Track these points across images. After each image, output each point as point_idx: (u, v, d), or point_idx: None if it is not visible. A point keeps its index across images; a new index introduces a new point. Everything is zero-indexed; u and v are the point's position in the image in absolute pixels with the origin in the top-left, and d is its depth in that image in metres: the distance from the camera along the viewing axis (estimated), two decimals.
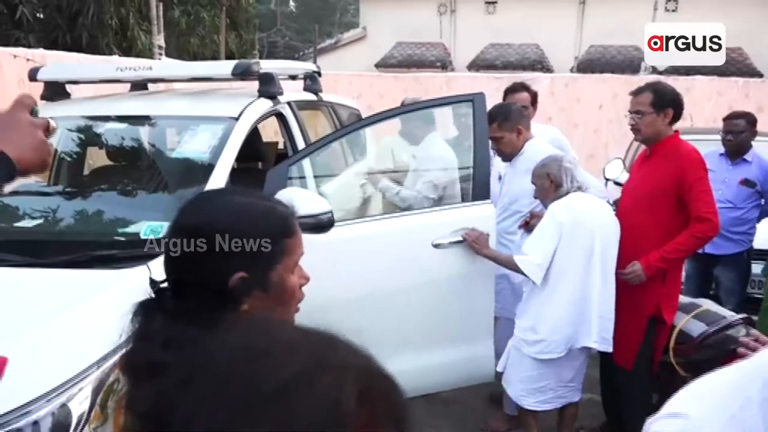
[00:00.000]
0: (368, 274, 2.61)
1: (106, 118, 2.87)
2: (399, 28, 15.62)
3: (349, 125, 3.41)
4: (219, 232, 0.96)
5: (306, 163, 3.09)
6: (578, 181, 2.69)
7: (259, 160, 3.61)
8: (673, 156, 2.68)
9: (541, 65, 14.47)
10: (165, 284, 1.01)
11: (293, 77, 4.12)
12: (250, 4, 11.67)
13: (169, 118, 2.89)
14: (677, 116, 2.75)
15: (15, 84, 4.77)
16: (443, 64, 15.07)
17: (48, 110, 3.11)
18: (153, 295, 1.01)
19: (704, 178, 2.65)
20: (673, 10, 14.76)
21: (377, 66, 14.95)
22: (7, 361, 0.94)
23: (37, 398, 1.50)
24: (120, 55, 7.84)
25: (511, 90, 3.92)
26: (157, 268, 1.97)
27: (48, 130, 0.94)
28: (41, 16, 7.45)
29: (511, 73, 10.93)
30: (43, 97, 3.24)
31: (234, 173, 3.46)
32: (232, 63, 3.04)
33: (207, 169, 2.46)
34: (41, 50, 5.29)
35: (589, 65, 14.01)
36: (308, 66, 4.13)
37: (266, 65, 3.20)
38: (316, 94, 4.03)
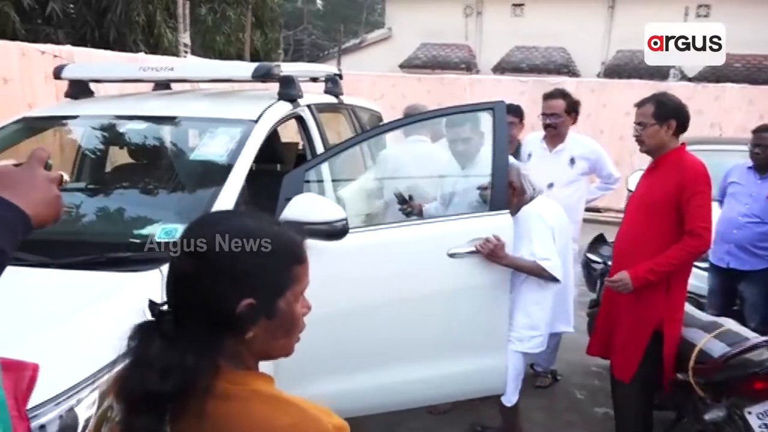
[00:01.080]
0: (382, 282, 2.58)
1: (126, 118, 2.89)
2: (424, 29, 15.57)
3: (369, 131, 3.39)
4: (228, 256, 0.92)
5: (324, 166, 3.08)
6: (534, 185, 2.96)
7: (278, 162, 3.61)
8: (676, 168, 2.67)
9: (567, 69, 14.31)
10: (165, 307, 0.97)
11: (314, 80, 4.12)
12: (275, 3, 11.71)
13: (188, 119, 2.89)
14: (682, 127, 2.73)
15: (42, 80, 4.85)
16: (468, 66, 14.99)
17: (71, 108, 3.15)
18: (151, 318, 0.97)
19: (705, 192, 2.62)
20: (704, 16, 14.49)
21: (401, 67, 14.92)
22: (38, 367, 0.94)
23: (45, 402, 1.50)
24: (147, 53, 7.93)
25: (548, 96, 3.92)
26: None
27: (61, 184, 0.95)
28: (71, 12, 7.56)
29: (537, 76, 10.82)
30: (68, 95, 3.28)
31: (252, 175, 3.48)
32: (253, 65, 3.04)
33: (224, 171, 2.45)
34: (68, 47, 5.36)
35: (616, 70, 13.81)
36: (329, 69, 4.12)
37: (287, 68, 3.20)
38: (336, 96, 4.02)
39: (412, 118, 2.99)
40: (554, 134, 3.89)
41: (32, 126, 3.04)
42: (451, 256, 2.62)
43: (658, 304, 2.71)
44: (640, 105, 2.80)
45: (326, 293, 2.55)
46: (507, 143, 2.83)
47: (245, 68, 3.05)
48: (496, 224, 2.68)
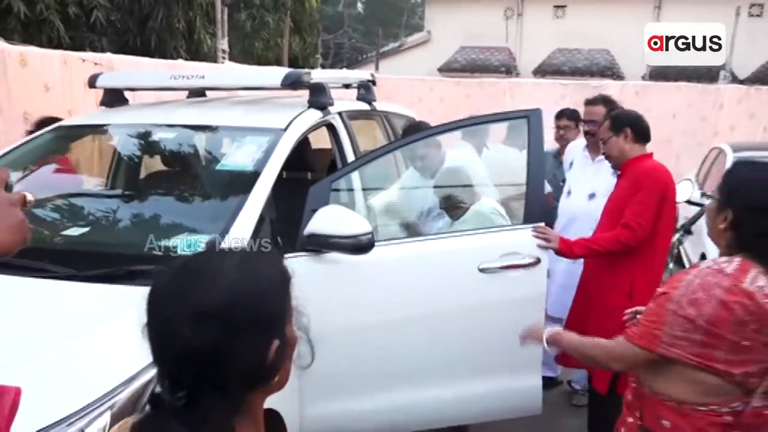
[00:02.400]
0: (410, 297, 2.50)
1: (155, 126, 2.88)
2: (464, 32, 15.41)
3: (398, 141, 3.31)
4: (244, 309, 0.83)
5: (355, 176, 3.02)
6: None
7: (309, 170, 3.56)
8: (635, 173, 2.75)
9: (611, 72, 13.95)
10: (175, 393, 0.83)
11: (347, 86, 4.07)
12: (314, 8, 11.77)
13: (216, 128, 2.88)
14: (642, 135, 2.84)
15: (82, 87, 4.93)
16: (508, 69, 14.76)
17: (104, 117, 3.17)
18: (155, 409, 0.85)
19: (651, 191, 2.67)
20: (757, 15, 13.91)
21: (440, 70, 14.81)
22: (21, 391, 0.88)
23: (55, 423, 1.48)
24: (187, 59, 8.05)
25: (589, 102, 3.76)
26: None
27: (25, 204, 0.88)
28: (114, 19, 7.73)
29: (579, 79, 10.56)
30: (102, 103, 3.31)
31: (283, 183, 3.44)
32: (283, 73, 3.01)
33: (249, 181, 2.41)
34: (108, 55, 5.45)
35: (662, 73, 13.37)
36: (362, 75, 4.06)
37: (317, 75, 3.15)
38: (369, 103, 3.96)
39: (444, 126, 2.89)
40: (594, 142, 3.73)
41: (67, 134, 3.08)
42: (482, 271, 2.51)
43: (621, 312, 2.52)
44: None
45: (354, 308, 2.52)
46: (543, 152, 2.71)
47: (275, 76, 3.02)
48: (530, 238, 2.57)
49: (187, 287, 0.83)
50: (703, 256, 4.50)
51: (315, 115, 3.00)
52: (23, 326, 1.78)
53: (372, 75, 4.14)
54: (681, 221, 4.31)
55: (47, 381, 1.56)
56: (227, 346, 0.81)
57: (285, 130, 2.73)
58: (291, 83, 2.95)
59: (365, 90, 3.93)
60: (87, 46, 6.99)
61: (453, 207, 2.98)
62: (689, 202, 4.24)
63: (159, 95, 4.04)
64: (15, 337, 1.71)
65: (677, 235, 3.56)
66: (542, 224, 2.61)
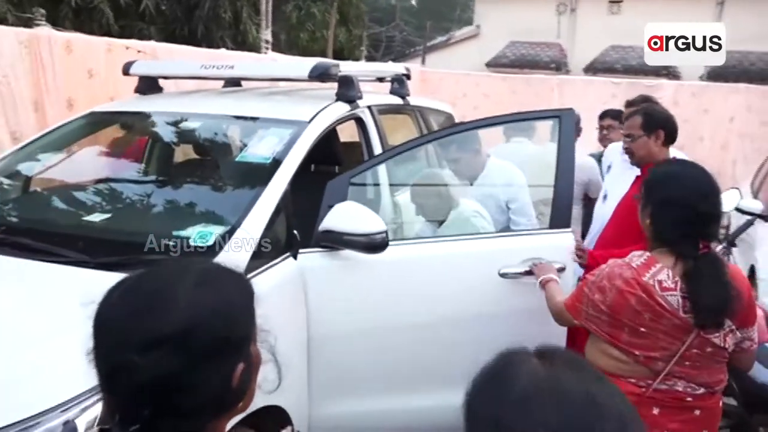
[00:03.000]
0: (426, 299, 2.42)
1: (181, 116, 2.89)
2: (514, 27, 15.07)
3: (423, 136, 3.22)
4: (206, 332, 0.76)
5: (381, 170, 2.96)
6: None
7: (336, 163, 3.52)
8: None
9: (666, 71, 13.39)
10: (127, 428, 0.75)
11: (381, 80, 4.00)
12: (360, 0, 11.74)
13: (241, 119, 2.86)
14: (670, 138, 2.71)
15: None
16: (558, 66, 14.38)
17: (135, 104, 3.21)
18: None
19: None
20: None
21: (488, 65, 14.53)
22: None
23: (47, 410, 1.48)
24: (233, 49, 8.13)
25: (632, 103, 3.49)
26: None
27: None
28: (163, 8, 7.87)
29: (632, 78, 10.19)
30: (137, 90, 3.34)
31: (310, 176, 3.41)
32: (310, 65, 2.97)
33: (267, 174, 2.38)
34: (152, 43, 5.54)
35: (722, 73, 12.77)
36: (395, 68, 3.98)
37: (346, 68, 3.10)
38: (403, 97, 3.88)
39: (470, 123, 2.79)
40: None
41: (98, 120, 3.12)
42: (503, 275, 2.41)
43: None
44: (626, 118, 2.88)
45: (367, 308, 2.46)
46: (573, 154, 2.57)
47: (302, 68, 2.99)
48: (555, 243, 2.45)
49: (141, 310, 0.76)
50: (752, 270, 4.23)
51: (342, 109, 2.95)
52: (25, 311, 1.79)
53: (407, 69, 4.05)
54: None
55: (44, 368, 1.56)
56: (188, 375, 0.73)
57: (309, 122, 2.69)
58: (318, 75, 2.92)
59: (398, 84, 3.85)
60: (136, 35, 7.12)
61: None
62: (740, 210, 4.01)
63: (200, 84, 4.08)
64: (16, 323, 1.72)
65: (720, 248, 3.36)
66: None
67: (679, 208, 1.71)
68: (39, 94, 4.43)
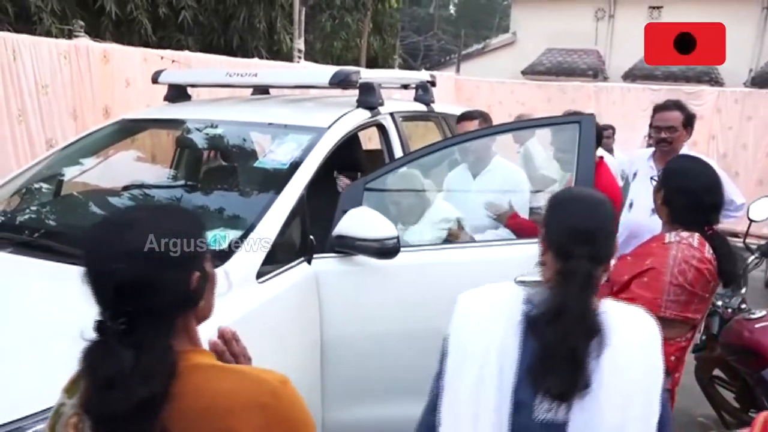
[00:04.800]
0: (440, 307, 2.38)
1: (204, 122, 2.95)
2: (551, 34, 14.89)
3: (441, 141, 3.20)
4: (164, 246, 1.00)
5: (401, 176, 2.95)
6: None
7: (358, 170, 3.53)
8: None
9: (708, 77, 13.03)
10: (116, 320, 0.98)
11: (405, 87, 4.01)
12: (394, 8, 11.77)
13: (261, 125, 2.90)
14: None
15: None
16: (595, 73, 14.13)
17: (162, 111, 3.29)
18: (100, 335, 1.00)
19: None
20: None
21: (524, 73, 14.40)
22: None
23: (34, 414, 1.46)
24: (268, 58, 8.27)
25: (662, 108, 3.40)
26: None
27: None
28: (201, 20, 8.06)
29: (672, 84, 9.93)
30: (166, 98, 3.43)
31: (330, 182, 3.43)
32: (331, 72, 3.00)
33: (284, 179, 2.41)
34: (186, 52, 5.68)
35: (766, 79, 12.35)
36: (419, 75, 3.98)
37: (367, 74, 3.11)
38: (427, 104, 3.87)
39: (488, 129, 2.76)
40: (668, 150, 3.43)
41: (127, 127, 3.21)
42: (519, 284, 2.37)
43: None
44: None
45: (381, 314, 2.45)
46: (593, 161, 2.52)
47: (323, 75, 3.02)
48: None
49: (116, 233, 1.01)
50: None
51: (362, 115, 2.97)
52: (34, 311, 1.85)
53: (432, 76, 4.05)
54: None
55: (50, 367, 1.60)
56: (155, 278, 0.98)
57: (328, 129, 2.71)
58: (338, 82, 2.94)
59: (423, 91, 3.85)
60: (174, 45, 7.31)
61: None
62: None
63: (233, 92, 4.16)
64: (36, 324, 1.78)
65: (752, 257, 3.22)
66: None
67: (688, 196, 2.06)
68: (77, 103, 4.60)
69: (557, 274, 1.36)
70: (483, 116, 3.41)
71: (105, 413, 0.95)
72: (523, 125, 2.81)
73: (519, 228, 2.69)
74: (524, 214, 2.90)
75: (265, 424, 0.98)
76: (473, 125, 3.30)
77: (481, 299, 1.50)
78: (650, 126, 3.43)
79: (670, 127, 3.32)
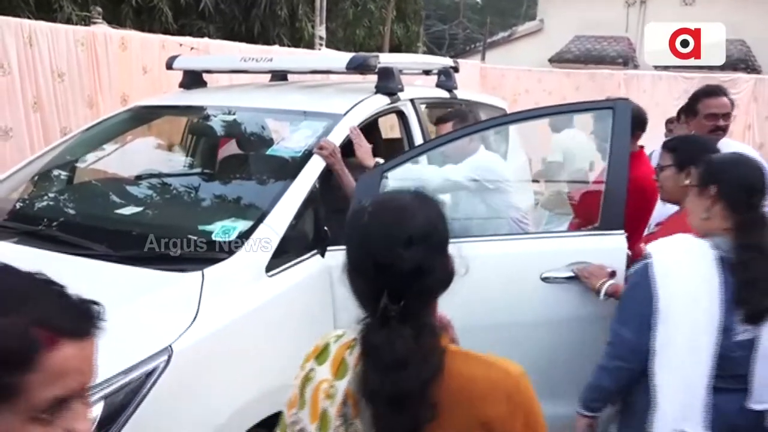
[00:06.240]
0: (461, 304, 2.25)
1: (218, 109, 2.85)
2: (579, 21, 14.50)
3: (466, 128, 3.04)
4: (445, 229, 1.13)
5: (423, 161, 2.82)
6: None
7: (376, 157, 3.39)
8: None
9: (745, 65, 12.57)
10: (395, 304, 1.04)
11: (427, 72, 3.85)
12: None
13: (275, 112, 2.79)
14: None
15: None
16: (625, 61, 13.74)
17: (176, 98, 3.20)
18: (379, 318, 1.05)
19: None
20: None
21: (551, 61, 14.06)
22: None
23: None
24: (289, 46, 8.16)
25: (713, 93, 3.10)
26: (214, 276, 1.85)
27: None
28: (223, 7, 7.98)
29: (706, 73, 9.53)
30: (181, 85, 3.33)
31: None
32: (348, 56, 2.88)
33: (297, 168, 2.29)
34: (206, 39, 5.60)
35: None
36: (441, 60, 3.82)
37: (387, 59, 2.98)
38: (450, 91, 3.71)
39: (519, 114, 2.60)
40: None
41: (141, 114, 3.12)
42: (545, 280, 2.22)
43: None
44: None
45: None
46: (628, 149, 2.35)
47: (340, 60, 2.89)
48: (605, 246, 2.24)
49: (395, 219, 1.07)
50: None
51: (381, 101, 2.84)
52: None
53: (455, 62, 3.89)
54: None
55: None
56: (432, 261, 1.06)
57: (344, 115, 2.59)
58: (356, 66, 2.81)
59: (445, 77, 3.69)
60: (195, 33, 7.24)
61: None
62: None
63: (252, 79, 4.06)
64: None
65: None
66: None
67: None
68: (94, 91, 4.54)
69: (741, 223, 1.71)
70: (459, 116, 3.21)
71: (394, 392, 1.00)
72: (554, 110, 2.62)
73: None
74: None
75: (508, 413, 1.05)
76: (447, 128, 3.12)
77: (674, 248, 1.78)
78: (690, 114, 3.17)
79: (726, 114, 3.07)
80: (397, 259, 1.02)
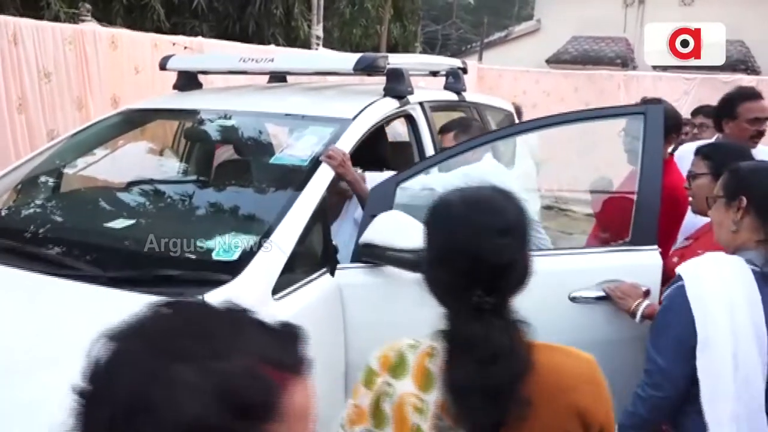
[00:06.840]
0: None
1: (215, 113, 2.65)
2: (577, 22, 14.37)
3: (489, 134, 2.87)
4: (526, 223, 1.14)
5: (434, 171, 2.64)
6: None
7: (383, 165, 3.22)
8: None
9: (744, 66, 12.49)
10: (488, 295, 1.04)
11: (434, 74, 3.68)
12: None
13: (278, 116, 2.60)
14: None
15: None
16: (624, 62, 13.63)
17: (169, 101, 3.00)
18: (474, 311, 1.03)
19: None
20: None
21: (548, 62, 13.93)
22: None
23: None
24: (284, 45, 7.96)
25: (751, 96, 2.90)
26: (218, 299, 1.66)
27: None
28: (216, 5, 7.78)
29: (706, 74, 9.45)
30: (175, 87, 3.14)
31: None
32: (355, 57, 2.70)
33: (304, 178, 2.11)
34: (199, 39, 5.40)
35: None
36: (450, 61, 3.65)
37: (396, 60, 2.80)
38: (458, 93, 3.54)
39: (543, 120, 2.42)
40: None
41: (132, 118, 2.93)
42: (573, 300, 2.05)
43: None
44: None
45: (413, 333, 2.15)
46: (661, 157, 2.18)
47: (347, 60, 2.72)
48: (639, 263, 2.07)
49: (489, 210, 1.07)
50: None
51: (390, 105, 2.67)
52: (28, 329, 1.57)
53: (463, 62, 3.72)
54: None
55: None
56: (519, 254, 1.06)
57: (353, 119, 2.41)
58: (363, 67, 2.64)
59: (454, 78, 3.52)
60: (188, 32, 7.03)
61: None
62: None
63: (249, 80, 3.86)
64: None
65: None
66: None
67: None
68: (83, 92, 4.33)
69: None
70: (461, 125, 3.03)
71: (490, 386, 1.00)
72: (581, 116, 2.42)
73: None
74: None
75: (592, 401, 1.07)
76: (448, 138, 2.94)
77: (708, 268, 1.65)
78: (728, 117, 2.94)
79: (766, 119, 2.89)
80: (494, 249, 1.02)
